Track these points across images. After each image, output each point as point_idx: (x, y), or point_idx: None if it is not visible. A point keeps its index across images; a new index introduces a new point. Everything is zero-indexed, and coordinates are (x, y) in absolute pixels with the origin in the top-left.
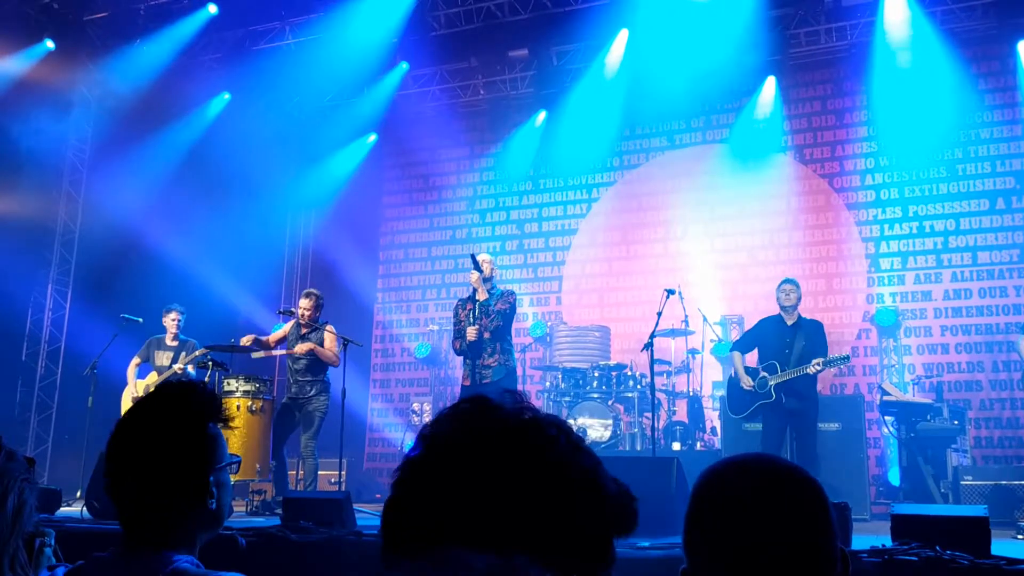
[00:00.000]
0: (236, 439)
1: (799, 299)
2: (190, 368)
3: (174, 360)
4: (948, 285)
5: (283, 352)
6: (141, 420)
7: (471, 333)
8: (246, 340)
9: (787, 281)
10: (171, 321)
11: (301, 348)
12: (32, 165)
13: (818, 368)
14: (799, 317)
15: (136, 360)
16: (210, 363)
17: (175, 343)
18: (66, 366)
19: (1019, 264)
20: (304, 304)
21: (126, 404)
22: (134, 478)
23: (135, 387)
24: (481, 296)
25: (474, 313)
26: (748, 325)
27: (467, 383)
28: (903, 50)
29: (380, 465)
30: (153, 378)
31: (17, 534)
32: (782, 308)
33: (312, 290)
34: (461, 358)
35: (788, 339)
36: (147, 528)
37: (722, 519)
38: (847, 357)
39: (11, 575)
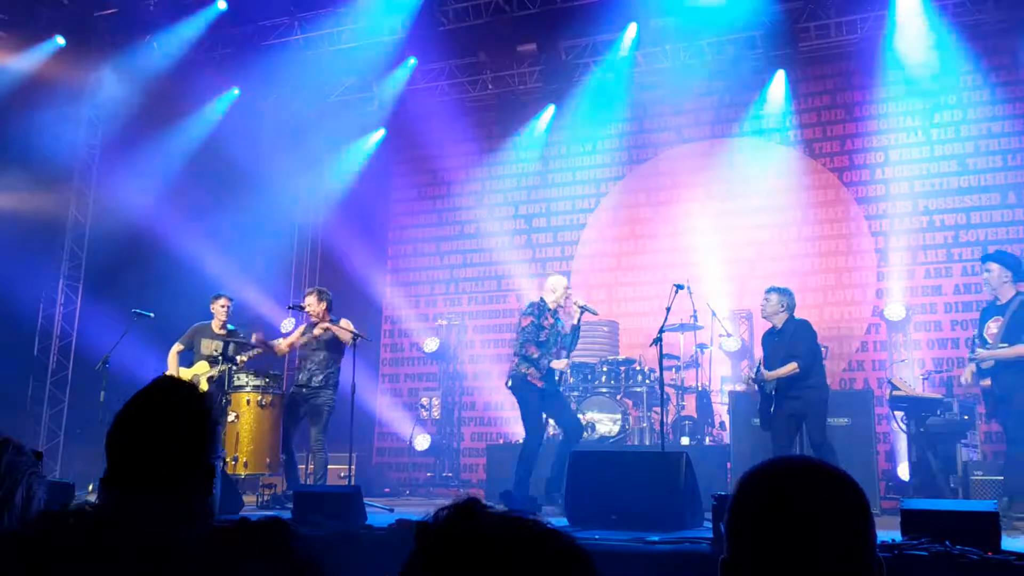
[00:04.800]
0: (246, 433)
1: (779, 306)
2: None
3: (224, 350)
4: (958, 280)
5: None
6: (155, 405)
7: (561, 365)
8: (258, 338)
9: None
10: (220, 308)
11: (320, 329)
12: (42, 161)
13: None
14: (784, 323)
15: (178, 347)
16: (220, 358)
17: (223, 332)
18: (77, 361)
19: None
20: (314, 305)
21: None
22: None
23: (179, 374)
24: (566, 328)
25: (562, 341)
26: (757, 320)
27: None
28: (913, 44)
29: (389, 460)
30: (203, 367)
31: None
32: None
33: (321, 288)
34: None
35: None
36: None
37: (769, 517)
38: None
39: None
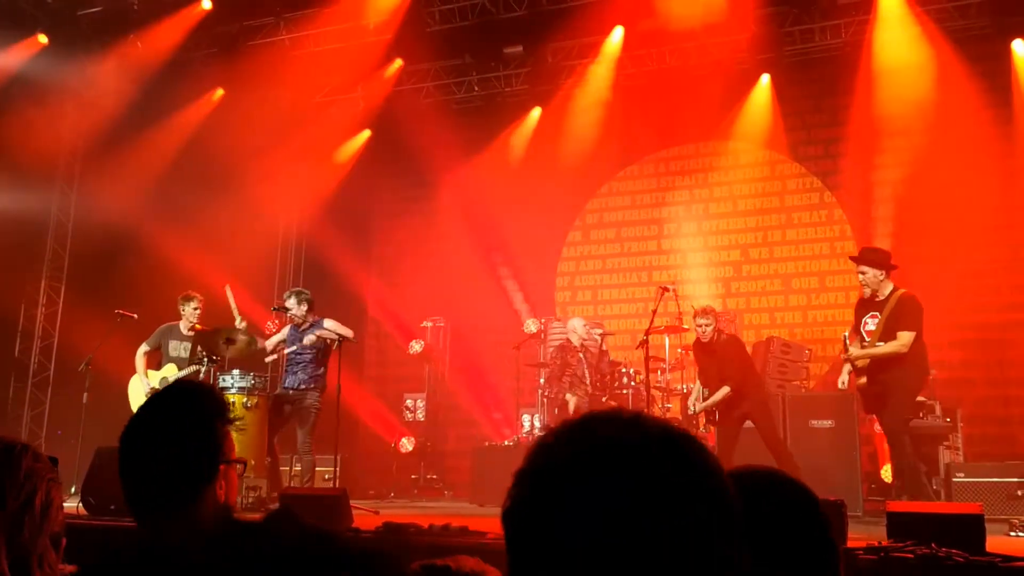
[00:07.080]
0: (232, 436)
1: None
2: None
3: (192, 352)
4: (942, 283)
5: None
6: (159, 413)
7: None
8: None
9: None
10: (192, 310)
11: (309, 340)
12: (25, 160)
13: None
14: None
15: (146, 348)
16: (206, 359)
17: (191, 333)
18: (59, 362)
19: (1013, 262)
20: (296, 308)
21: (134, 392)
22: (150, 465)
23: (148, 377)
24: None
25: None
26: (742, 323)
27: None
28: (897, 48)
29: (374, 461)
30: (171, 370)
31: (45, 533)
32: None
33: (299, 290)
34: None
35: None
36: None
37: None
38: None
39: (39, 574)
